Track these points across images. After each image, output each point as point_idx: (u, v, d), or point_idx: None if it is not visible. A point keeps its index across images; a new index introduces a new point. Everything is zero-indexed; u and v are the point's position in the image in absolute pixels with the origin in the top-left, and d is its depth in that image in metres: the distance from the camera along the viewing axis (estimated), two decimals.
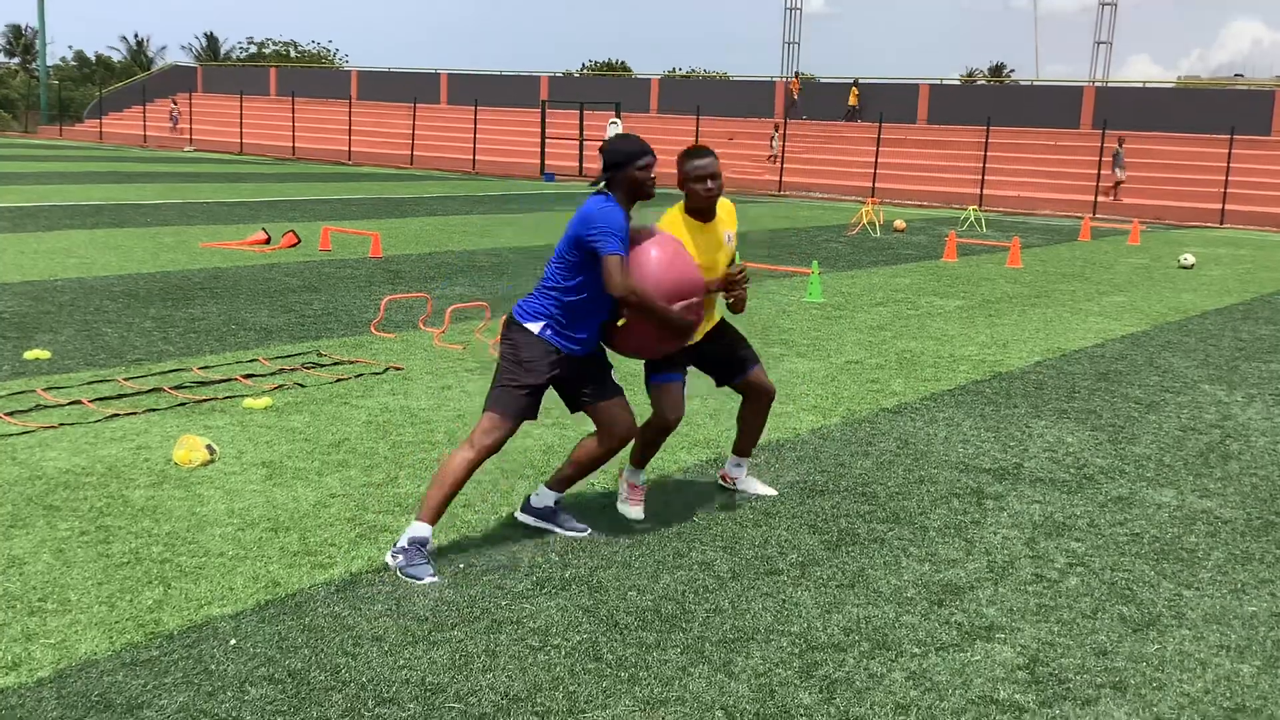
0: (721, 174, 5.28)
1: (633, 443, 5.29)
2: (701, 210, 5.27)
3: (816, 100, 43.73)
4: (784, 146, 38.74)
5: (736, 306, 5.35)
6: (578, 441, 5.17)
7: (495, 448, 4.82)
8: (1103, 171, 33.01)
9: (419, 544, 4.65)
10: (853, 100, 41.80)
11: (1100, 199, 32.53)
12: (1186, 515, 5.77)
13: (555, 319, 4.89)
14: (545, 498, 5.19)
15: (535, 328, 4.88)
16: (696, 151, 5.27)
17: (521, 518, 5.22)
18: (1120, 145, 32.89)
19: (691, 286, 4.93)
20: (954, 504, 5.79)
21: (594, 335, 4.97)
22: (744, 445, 5.77)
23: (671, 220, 5.29)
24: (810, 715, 3.62)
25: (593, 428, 5.17)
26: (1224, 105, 36.43)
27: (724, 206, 5.40)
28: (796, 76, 43.35)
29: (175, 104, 54.75)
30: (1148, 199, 32.40)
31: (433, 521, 4.71)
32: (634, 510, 5.38)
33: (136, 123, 55.94)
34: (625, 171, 4.90)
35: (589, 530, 5.16)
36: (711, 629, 4.21)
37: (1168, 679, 3.98)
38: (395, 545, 4.69)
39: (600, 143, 4.89)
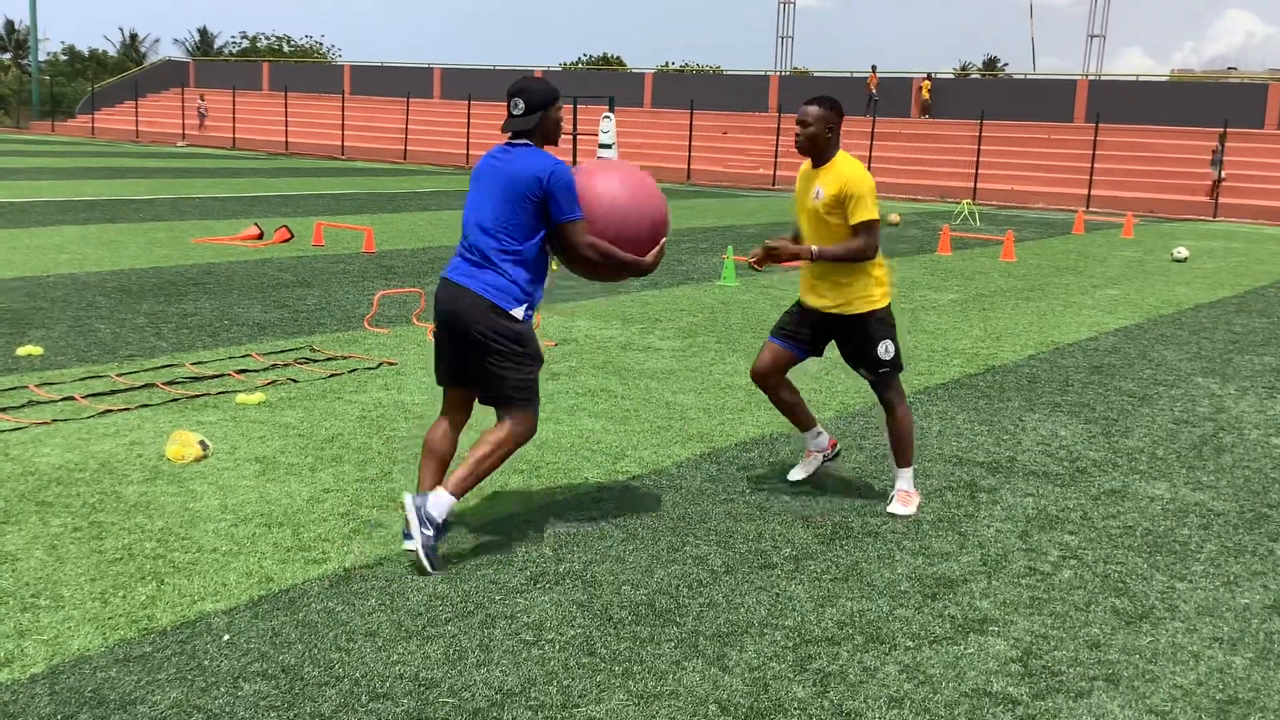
0: (814, 124, 5.35)
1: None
2: (804, 154, 5.48)
3: (809, 94, 43.70)
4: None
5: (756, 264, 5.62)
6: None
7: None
8: (1201, 170, 31.95)
9: (445, 524, 4.65)
10: (924, 95, 40.99)
11: (1193, 198, 31.34)
12: (1179, 508, 5.79)
13: (528, 297, 4.71)
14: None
15: (519, 313, 4.67)
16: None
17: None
18: (1221, 143, 31.41)
19: (660, 214, 4.96)
20: (947, 497, 5.80)
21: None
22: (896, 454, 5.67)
23: (805, 163, 5.57)
24: (804, 709, 3.63)
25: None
26: (1217, 98, 36.47)
27: (841, 166, 5.34)
28: (873, 71, 42.59)
29: (203, 99, 53.29)
30: (1140, 192, 32.42)
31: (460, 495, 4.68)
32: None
33: (129, 118, 55.82)
34: (549, 112, 4.75)
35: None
36: (705, 623, 4.21)
37: (1160, 671, 3.99)
38: (429, 513, 4.55)
39: (516, 84, 4.79)
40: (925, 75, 41.75)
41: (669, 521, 5.26)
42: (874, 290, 5.49)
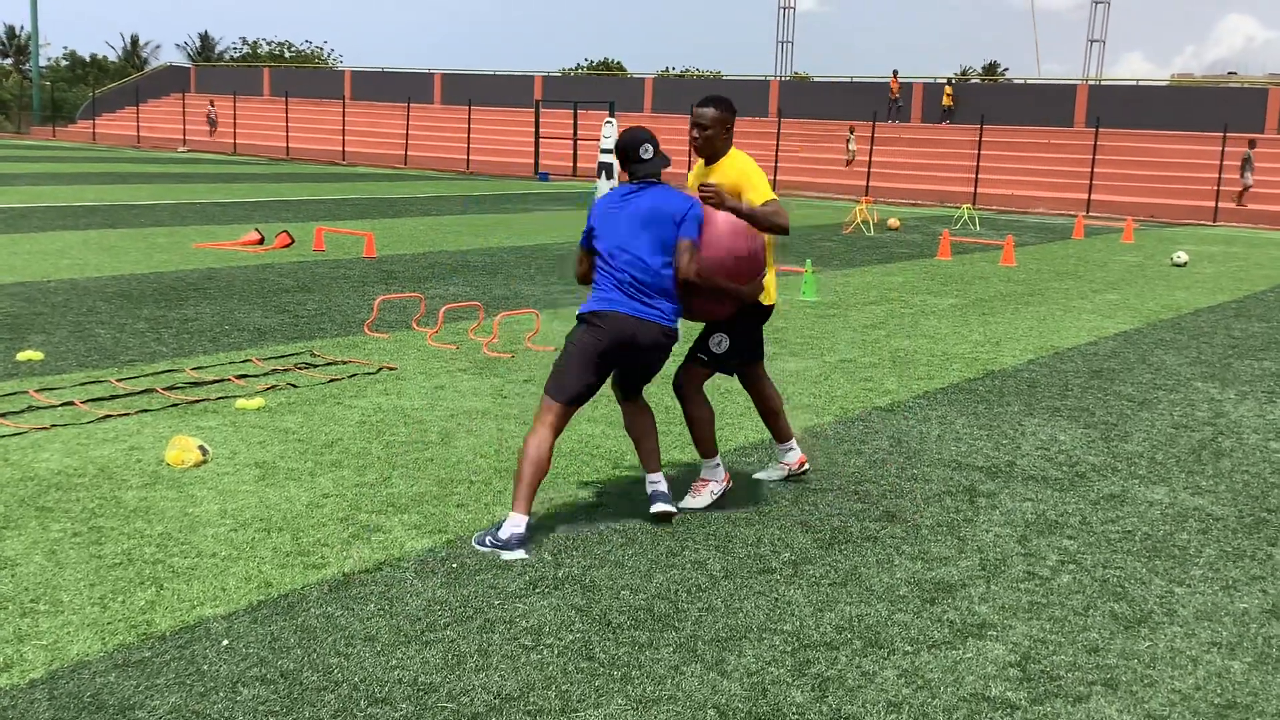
0: (711, 126, 5.51)
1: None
2: (700, 154, 5.63)
3: (810, 99, 43.72)
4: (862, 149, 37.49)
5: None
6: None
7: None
8: (1228, 176, 31.62)
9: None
10: (946, 100, 40.66)
11: (1222, 205, 31.09)
12: (1178, 512, 5.79)
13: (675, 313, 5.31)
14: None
15: (677, 328, 5.34)
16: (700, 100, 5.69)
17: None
18: (1250, 148, 31.06)
19: (758, 250, 5.39)
20: (946, 502, 5.80)
21: None
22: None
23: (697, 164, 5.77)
24: (802, 713, 3.63)
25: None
26: (1217, 103, 36.49)
27: (733, 161, 5.53)
28: (894, 76, 42.37)
29: (212, 105, 52.78)
30: (1140, 197, 32.44)
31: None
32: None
33: (130, 123, 55.87)
34: (666, 158, 5.39)
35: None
36: (704, 628, 4.21)
37: (1159, 676, 3.99)
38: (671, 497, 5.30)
39: (638, 132, 5.35)
40: (947, 80, 41.53)
41: (668, 526, 5.26)
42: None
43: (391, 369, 8.32)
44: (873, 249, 19.12)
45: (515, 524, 4.90)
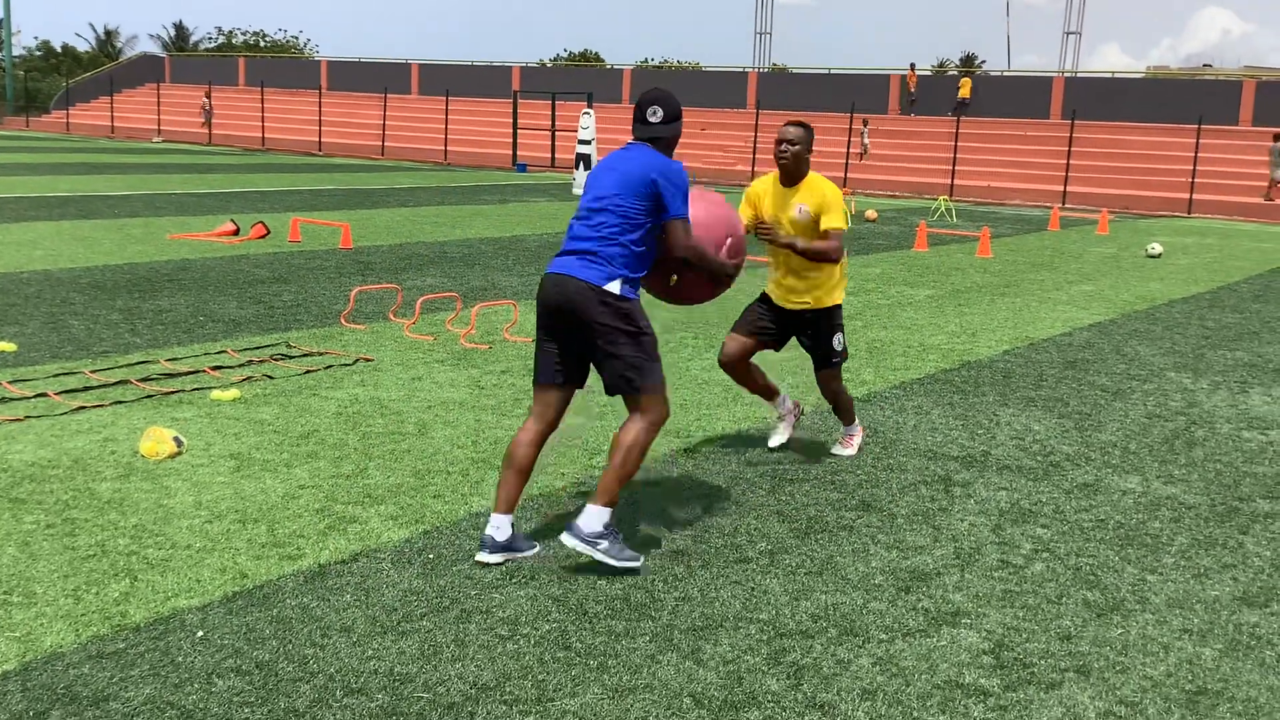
0: (800, 143, 5.93)
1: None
2: (782, 173, 6.03)
3: (787, 90, 43.77)
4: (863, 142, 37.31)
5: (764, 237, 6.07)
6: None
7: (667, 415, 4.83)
8: (1260, 170, 31.49)
9: (612, 528, 4.59)
10: (964, 92, 40.31)
11: (1249, 200, 30.86)
12: (1151, 501, 5.83)
13: (625, 276, 4.67)
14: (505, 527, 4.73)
15: (614, 288, 4.63)
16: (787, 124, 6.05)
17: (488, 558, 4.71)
18: (1275, 141, 30.40)
19: (735, 230, 5.26)
20: (922, 491, 5.83)
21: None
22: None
23: (763, 181, 6.17)
24: (778, 701, 3.64)
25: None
26: (1192, 95, 36.71)
27: (818, 184, 5.96)
28: (912, 69, 42.06)
29: (208, 97, 51.09)
30: (1115, 189, 32.62)
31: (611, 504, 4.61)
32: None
33: (104, 113, 55.44)
34: (677, 126, 4.94)
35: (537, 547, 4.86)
36: (680, 617, 4.23)
37: (1131, 663, 4.03)
38: (586, 532, 4.52)
39: (654, 92, 4.97)
40: (964, 73, 41.29)
41: (645, 516, 5.27)
42: (838, 290, 6.20)
43: (368, 360, 8.30)
44: (850, 240, 19.16)
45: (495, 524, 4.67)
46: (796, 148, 5.90)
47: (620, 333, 4.64)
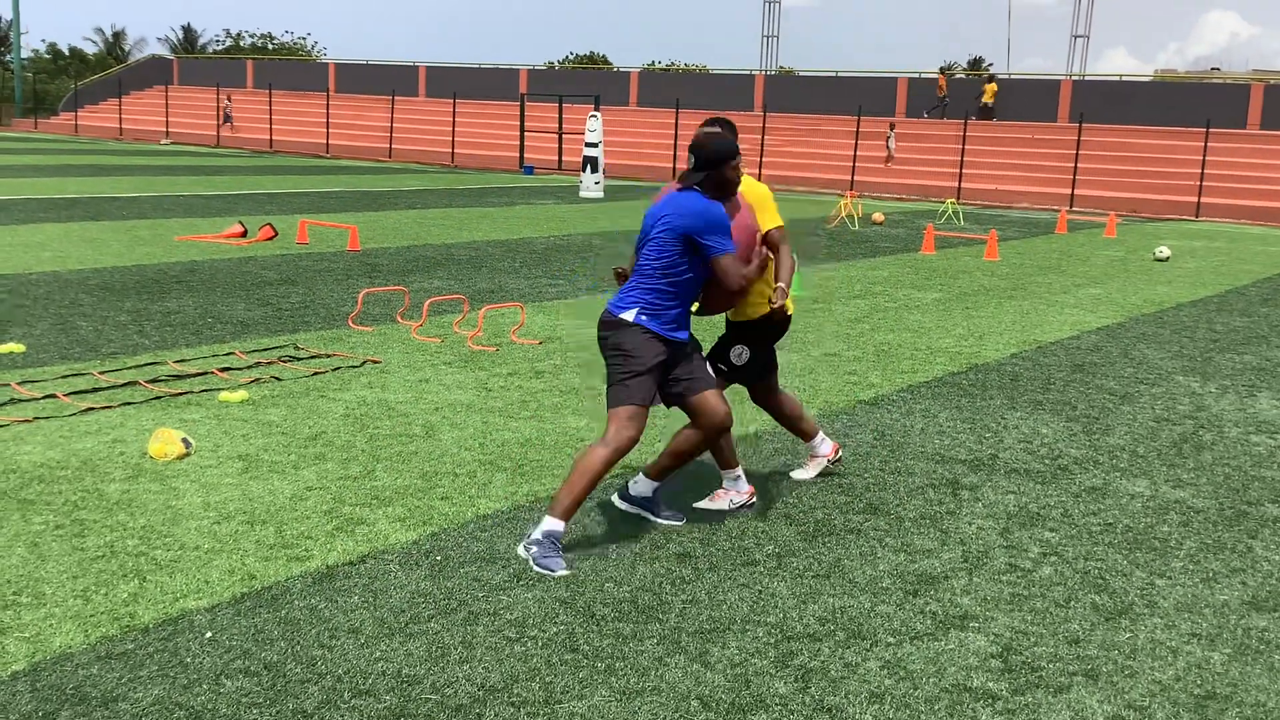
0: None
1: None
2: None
3: (795, 93, 43.77)
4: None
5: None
6: (676, 432, 5.20)
7: (634, 441, 4.87)
8: (1269, 175, 31.23)
9: (553, 538, 4.71)
10: (988, 98, 39.81)
11: (1257, 203, 30.60)
12: (1159, 505, 5.82)
13: (645, 305, 4.95)
14: (644, 487, 5.28)
15: (629, 315, 4.95)
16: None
17: (619, 503, 5.35)
18: None
19: (754, 240, 5.26)
20: (929, 495, 5.83)
21: (684, 319, 5.06)
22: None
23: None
24: (785, 704, 3.64)
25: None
26: (1200, 98, 36.64)
27: (747, 185, 5.45)
28: (943, 72, 41.50)
29: (229, 100, 50.32)
30: (1123, 192, 32.57)
31: (566, 518, 4.76)
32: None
33: (113, 115, 55.56)
34: (720, 170, 5.06)
35: (684, 519, 5.27)
36: (688, 620, 4.23)
37: (1139, 667, 4.02)
38: (529, 536, 4.76)
39: (695, 139, 5.17)
40: (990, 77, 40.85)
41: (652, 519, 5.27)
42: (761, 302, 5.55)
43: (375, 362, 8.31)
44: (857, 243, 19.15)
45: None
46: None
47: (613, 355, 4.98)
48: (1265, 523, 5.62)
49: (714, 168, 5.04)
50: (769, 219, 5.46)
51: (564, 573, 4.59)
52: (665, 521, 5.24)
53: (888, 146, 37.33)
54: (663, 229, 4.97)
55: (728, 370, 5.64)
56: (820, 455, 6.00)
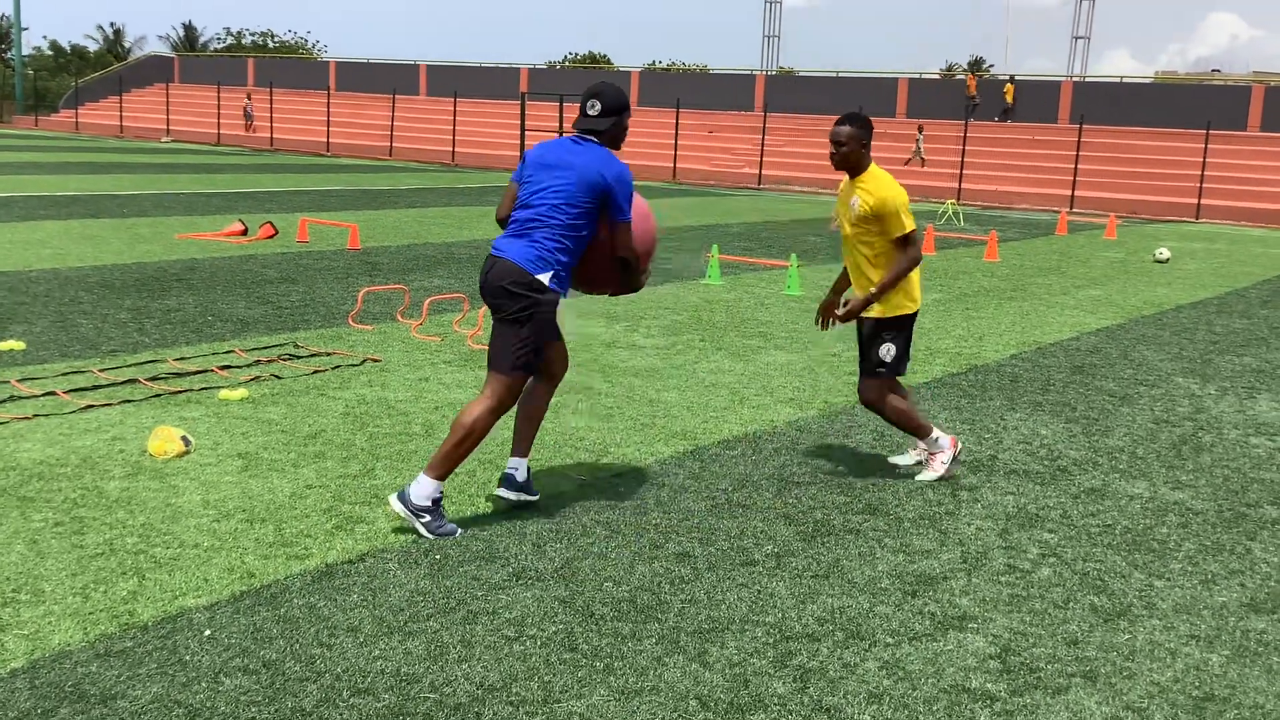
0: (847, 143, 5.82)
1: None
2: (840, 169, 5.95)
3: (795, 93, 43.76)
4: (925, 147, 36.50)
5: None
6: (522, 400, 5.25)
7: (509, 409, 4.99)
8: (1270, 176, 31.22)
9: (440, 503, 4.91)
10: (1009, 98, 39.69)
11: (1257, 205, 30.66)
12: (1158, 507, 5.83)
13: (560, 267, 4.93)
14: (521, 469, 5.26)
15: (546, 278, 4.89)
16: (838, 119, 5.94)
17: (505, 494, 5.27)
18: None
19: (652, 245, 5.33)
20: (929, 495, 5.83)
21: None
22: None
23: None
24: (784, 704, 3.64)
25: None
26: (1201, 100, 36.67)
27: (872, 179, 5.81)
28: (972, 74, 41.14)
29: (249, 99, 49.84)
30: (1124, 193, 32.57)
31: (443, 479, 4.94)
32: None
33: (113, 113, 55.57)
34: (622, 119, 5.07)
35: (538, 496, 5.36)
36: (687, 619, 4.23)
37: (1138, 668, 4.02)
38: (414, 503, 4.86)
39: (592, 87, 5.18)
40: (1009, 78, 40.65)
41: (651, 518, 5.27)
42: (903, 300, 5.95)
43: (375, 361, 8.31)
44: None
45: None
46: (844, 148, 5.82)
47: (517, 318, 4.92)
48: (1264, 525, 5.62)
49: (618, 115, 5.06)
50: (899, 226, 5.75)
51: (459, 533, 4.85)
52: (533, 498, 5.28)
53: (918, 149, 36.89)
54: (578, 180, 4.89)
55: (886, 369, 5.97)
56: (942, 449, 6.11)
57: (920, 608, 4.43)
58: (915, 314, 6.01)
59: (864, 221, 5.82)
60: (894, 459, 6.36)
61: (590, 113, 5.09)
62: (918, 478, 6.03)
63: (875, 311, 5.91)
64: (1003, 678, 3.90)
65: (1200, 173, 31.49)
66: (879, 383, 5.99)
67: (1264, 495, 6.10)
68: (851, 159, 5.84)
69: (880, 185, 5.78)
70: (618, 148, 5.14)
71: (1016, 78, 41.14)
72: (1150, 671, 4.00)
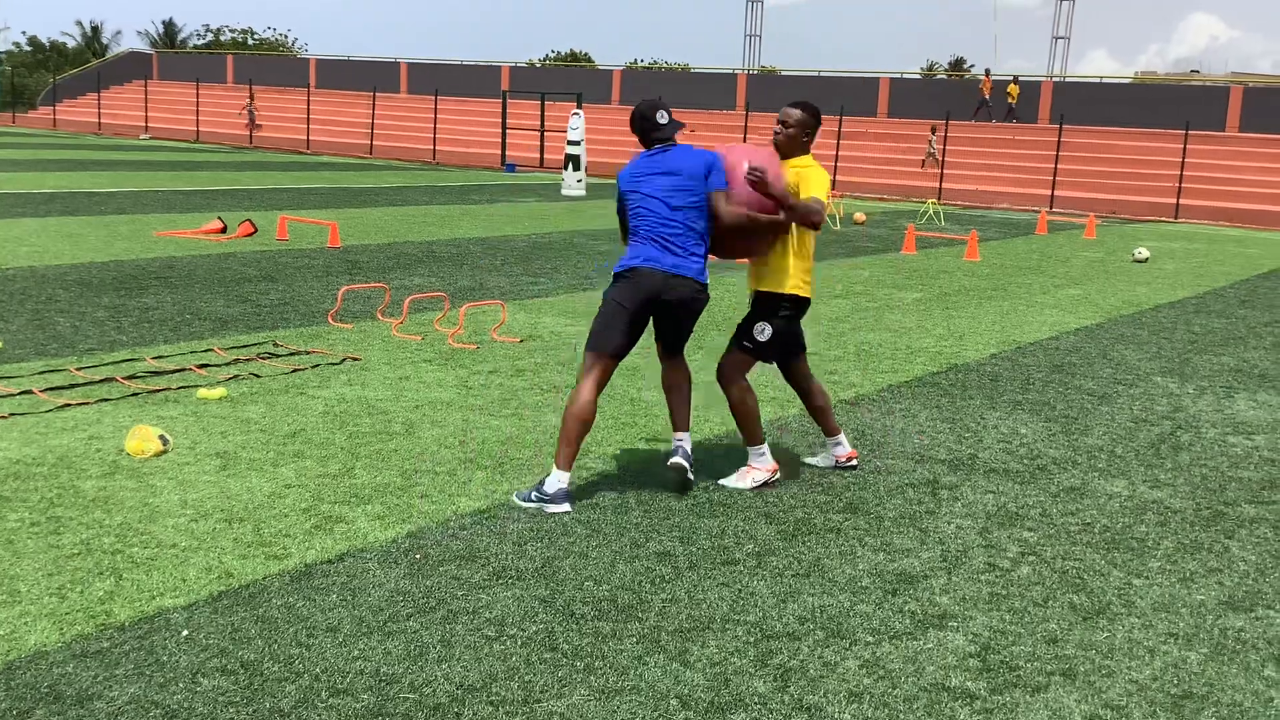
0: (794, 127, 5.81)
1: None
2: (778, 149, 5.85)
3: (777, 92, 43.82)
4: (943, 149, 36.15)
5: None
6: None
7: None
8: (1247, 176, 31.33)
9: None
10: (1011, 99, 39.33)
11: (1235, 205, 30.75)
12: (1137, 505, 5.85)
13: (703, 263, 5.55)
14: (565, 481, 5.38)
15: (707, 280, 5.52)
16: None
17: (556, 509, 5.30)
18: None
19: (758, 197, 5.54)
20: (909, 494, 5.84)
21: None
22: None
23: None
24: (765, 703, 3.64)
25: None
26: (1180, 101, 36.85)
27: (800, 162, 5.77)
28: (988, 75, 41.04)
29: (252, 99, 48.37)
30: (1103, 193, 32.72)
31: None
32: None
33: (92, 110, 55.22)
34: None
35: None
36: (668, 619, 4.22)
37: (1117, 666, 4.04)
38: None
39: (649, 101, 5.68)
40: (1013, 79, 40.42)
41: (632, 517, 5.27)
42: (789, 280, 5.77)
43: (355, 359, 8.28)
44: (839, 243, 19.19)
45: (559, 479, 5.30)
46: (789, 129, 5.80)
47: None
48: (1242, 523, 5.65)
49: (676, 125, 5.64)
50: (814, 190, 5.65)
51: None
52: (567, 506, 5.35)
53: (930, 150, 36.46)
54: (696, 182, 5.46)
55: (752, 347, 5.80)
56: (835, 455, 6.22)
57: (900, 606, 4.44)
58: (805, 304, 5.83)
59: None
60: (807, 459, 6.32)
61: (661, 121, 5.58)
62: (721, 480, 5.80)
63: (767, 285, 5.73)
64: (982, 676, 3.91)
65: (1179, 173, 31.66)
66: (740, 358, 5.77)
67: (1241, 494, 6.14)
68: (792, 142, 5.78)
69: (808, 164, 5.75)
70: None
71: (980, 76, 40.94)
72: (1129, 669, 4.02)
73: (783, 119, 5.86)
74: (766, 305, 5.78)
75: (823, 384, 6.35)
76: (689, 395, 5.73)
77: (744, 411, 5.80)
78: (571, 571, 4.60)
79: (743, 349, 5.78)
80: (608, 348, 5.43)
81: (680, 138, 5.75)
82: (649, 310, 5.48)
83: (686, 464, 5.60)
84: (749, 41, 52.34)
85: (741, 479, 5.81)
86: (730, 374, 5.79)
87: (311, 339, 8.97)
